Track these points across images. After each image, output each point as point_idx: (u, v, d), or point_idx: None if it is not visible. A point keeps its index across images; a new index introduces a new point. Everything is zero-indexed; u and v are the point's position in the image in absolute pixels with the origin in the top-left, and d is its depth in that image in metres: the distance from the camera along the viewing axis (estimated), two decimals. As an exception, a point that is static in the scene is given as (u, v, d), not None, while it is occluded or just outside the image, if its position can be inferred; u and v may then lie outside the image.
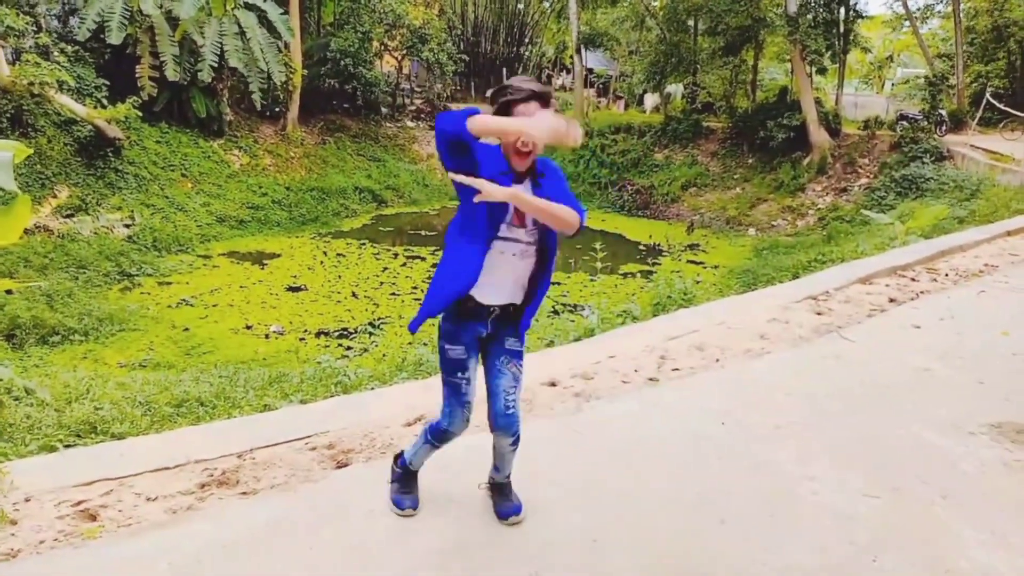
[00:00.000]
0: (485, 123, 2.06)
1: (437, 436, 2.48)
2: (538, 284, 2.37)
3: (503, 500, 2.59)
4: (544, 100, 2.18)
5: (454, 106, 29.78)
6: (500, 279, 2.30)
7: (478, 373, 2.42)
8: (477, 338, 2.37)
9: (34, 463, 2.99)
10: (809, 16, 21.22)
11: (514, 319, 2.39)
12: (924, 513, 2.72)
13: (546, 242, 2.33)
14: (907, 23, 25.26)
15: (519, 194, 2.15)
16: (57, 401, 5.50)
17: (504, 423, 2.39)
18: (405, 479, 2.63)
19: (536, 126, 2.03)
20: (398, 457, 2.67)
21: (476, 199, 2.12)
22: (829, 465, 3.04)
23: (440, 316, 2.36)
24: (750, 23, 22.10)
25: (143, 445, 3.27)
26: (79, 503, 2.58)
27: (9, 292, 11.71)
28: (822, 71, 23.34)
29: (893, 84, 35.61)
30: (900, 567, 2.40)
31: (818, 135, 21.11)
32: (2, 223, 4.42)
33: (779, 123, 21.33)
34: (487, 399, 2.41)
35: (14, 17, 15.53)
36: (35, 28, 16.91)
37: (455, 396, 2.38)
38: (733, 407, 3.59)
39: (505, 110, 2.18)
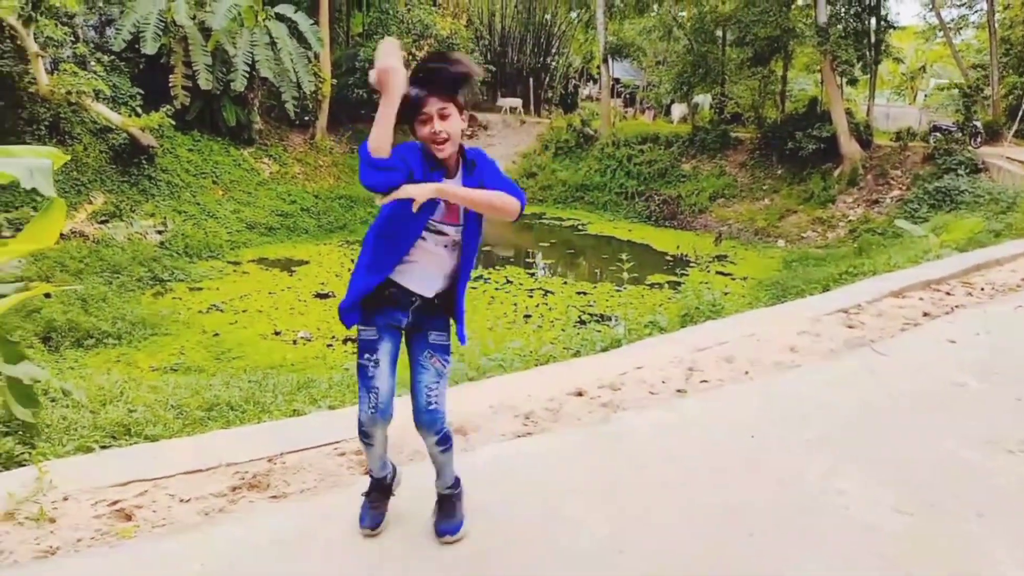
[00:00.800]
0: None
1: (360, 433, 2.33)
2: (459, 275, 2.34)
3: (442, 515, 2.47)
4: (452, 89, 2.13)
5: (481, 116, 29.96)
6: (426, 270, 2.28)
7: (391, 363, 2.30)
8: (394, 325, 2.30)
9: (72, 463, 3.05)
10: (839, 26, 21.04)
11: (437, 310, 2.34)
12: (958, 530, 2.67)
13: (468, 235, 2.28)
14: (940, 33, 24.92)
15: (446, 188, 2.11)
16: (92, 403, 5.62)
17: (426, 419, 2.28)
18: (371, 489, 2.50)
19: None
20: (368, 469, 2.56)
21: (411, 207, 2.09)
22: (860, 480, 2.99)
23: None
24: (779, 33, 21.96)
25: (176, 447, 3.33)
26: (115, 503, 2.63)
27: (48, 296, 11.98)
28: (853, 82, 23.11)
29: (926, 95, 35.12)
30: (935, 585, 2.35)
31: (849, 146, 20.88)
32: (39, 227, 4.54)
33: (809, 134, 21.14)
34: (411, 392, 2.32)
35: (53, 28, 15.97)
36: (73, 39, 17.39)
37: (362, 380, 2.27)
38: (762, 420, 3.56)
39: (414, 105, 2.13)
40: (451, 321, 2.40)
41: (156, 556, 2.32)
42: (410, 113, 2.13)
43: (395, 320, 2.30)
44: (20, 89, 16.42)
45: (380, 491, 2.50)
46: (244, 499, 2.72)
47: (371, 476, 2.50)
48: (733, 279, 16.56)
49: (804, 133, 21.29)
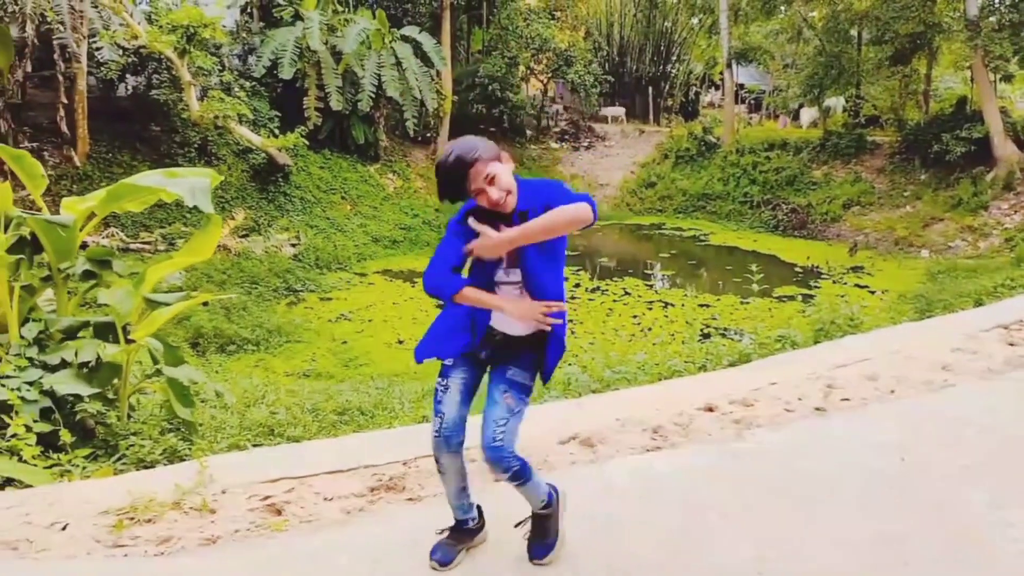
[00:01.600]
0: (467, 298, 2.19)
1: (433, 452, 2.33)
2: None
3: (534, 536, 2.41)
4: (483, 158, 2.14)
5: (598, 127, 29.89)
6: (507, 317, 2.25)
7: (463, 391, 2.30)
8: (473, 355, 2.30)
9: (226, 460, 3.29)
10: (992, 19, 19.40)
11: (523, 348, 2.28)
12: None
13: (531, 272, 2.22)
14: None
15: (511, 238, 2.10)
16: (237, 405, 6.04)
17: (491, 456, 2.20)
18: (454, 528, 2.44)
19: (513, 311, 2.17)
20: None
21: (477, 253, 2.15)
22: (1032, 512, 2.72)
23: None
24: (922, 29, 20.49)
25: (317, 448, 3.52)
26: (266, 498, 2.81)
27: (205, 304, 13.01)
28: (1008, 78, 21.22)
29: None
30: None
31: (1004, 148, 19.17)
32: (199, 241, 4.94)
33: (957, 136, 19.57)
34: (482, 424, 2.27)
35: (203, 59, 17.40)
36: (220, 67, 18.86)
37: (434, 404, 2.30)
38: (912, 442, 3.31)
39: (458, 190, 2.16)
40: (537, 359, 2.31)
41: (306, 549, 2.46)
42: (464, 195, 2.17)
43: (474, 350, 2.30)
44: (174, 115, 18.02)
45: (457, 533, 2.42)
46: (382, 500, 2.83)
47: (455, 517, 2.45)
48: (871, 292, 15.56)
49: (951, 135, 19.74)
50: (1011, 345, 4.67)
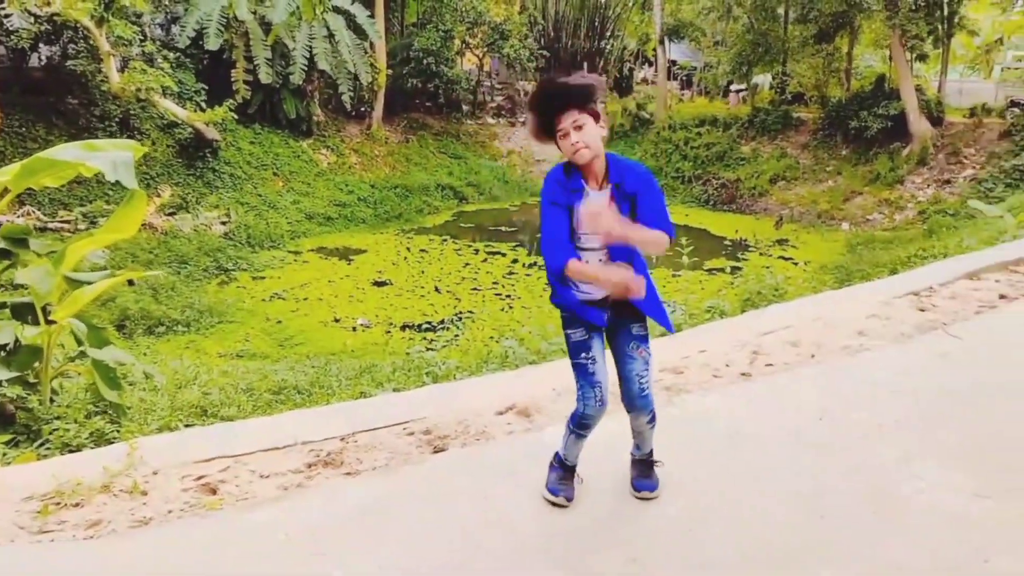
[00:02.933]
0: (579, 270, 2.29)
1: (578, 424, 2.49)
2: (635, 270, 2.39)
3: (641, 474, 2.65)
4: (581, 102, 2.21)
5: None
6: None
7: (604, 359, 2.45)
8: (597, 326, 2.43)
9: (158, 441, 3.22)
10: (910, -1, 20.18)
11: (630, 306, 2.42)
12: (1041, 517, 2.58)
13: (619, 251, 2.36)
14: (1019, 3, 23.66)
15: (620, 233, 2.19)
16: (168, 386, 5.88)
17: (641, 404, 2.45)
18: (562, 473, 2.64)
19: (606, 282, 2.29)
20: (556, 455, 2.68)
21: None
22: (937, 465, 2.92)
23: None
24: (844, 8, 21.21)
25: (252, 427, 3.47)
26: (200, 478, 2.77)
27: (131, 283, 12.55)
28: (923, 57, 22.19)
29: (1003, 69, 33.42)
30: (1014, 569, 2.29)
31: (919, 124, 20.08)
32: (122, 218, 4.75)
33: (875, 112, 20.41)
34: (620, 385, 2.46)
35: (123, 28, 16.58)
36: (141, 37, 18.01)
37: (584, 377, 2.41)
38: (831, 404, 3.49)
39: (548, 121, 2.25)
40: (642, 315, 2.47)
41: (243, 526, 2.44)
42: (550, 132, 2.27)
43: (598, 320, 2.42)
44: (93, 87, 17.15)
45: (570, 474, 2.63)
46: (320, 475, 2.83)
47: (563, 464, 2.61)
48: (795, 263, 16.18)
49: (870, 112, 20.57)
50: (922, 311, 4.94)
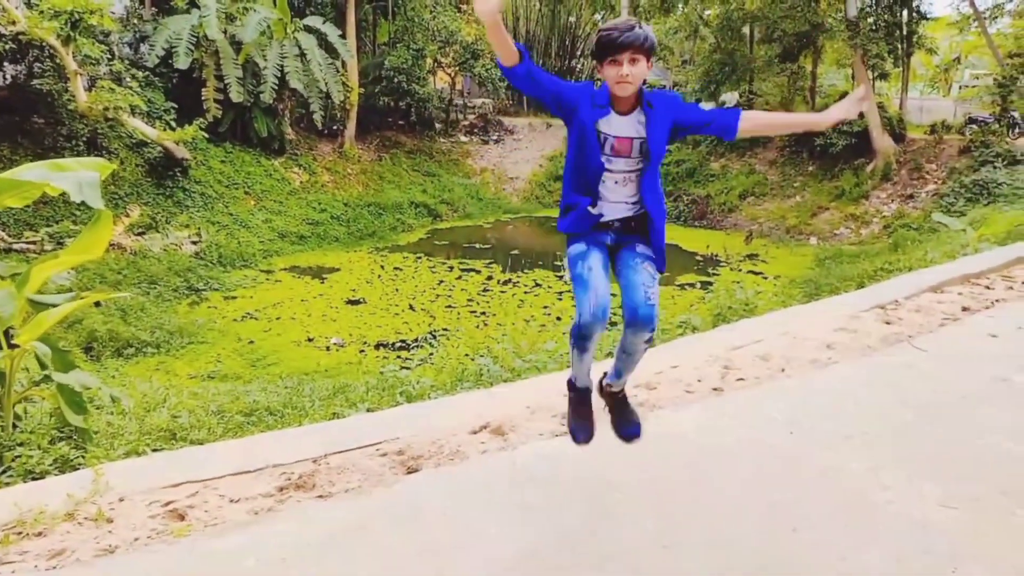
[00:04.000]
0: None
1: (577, 336, 2.44)
2: (649, 199, 2.48)
3: (623, 417, 2.65)
4: (648, 48, 2.33)
5: (507, 121, 30.07)
6: (611, 202, 2.50)
7: (604, 269, 2.44)
8: (600, 241, 2.50)
9: (124, 466, 3.15)
10: (870, 20, 20.75)
11: (637, 231, 2.51)
12: (1005, 524, 2.64)
13: (647, 165, 2.45)
14: (975, 23, 24.42)
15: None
16: (136, 410, 5.77)
17: (645, 313, 2.36)
18: (577, 402, 2.65)
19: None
20: (568, 380, 2.70)
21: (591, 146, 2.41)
22: (904, 475, 2.97)
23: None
24: (808, 29, 21.73)
25: (222, 450, 3.41)
26: (168, 503, 2.72)
27: (97, 304, 12.31)
28: (884, 76, 22.75)
29: (961, 87, 34.40)
30: (983, 579, 2.33)
31: (881, 141, 20.57)
32: (88, 239, 4.68)
33: (840, 130, 20.87)
34: (624, 296, 2.42)
35: (91, 46, 16.41)
36: (109, 56, 17.82)
37: (580, 286, 2.39)
38: (801, 417, 3.54)
39: (612, 49, 2.33)
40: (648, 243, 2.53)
41: (211, 553, 2.40)
42: (603, 52, 2.34)
43: (600, 238, 2.51)
44: (59, 106, 16.91)
45: (585, 404, 2.66)
46: (292, 499, 2.79)
47: (575, 388, 2.66)
48: (765, 278, 16.40)
49: (835, 129, 21.00)
50: (888, 324, 5.04)
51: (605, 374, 2.70)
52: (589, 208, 2.48)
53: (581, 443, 2.61)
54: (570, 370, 2.68)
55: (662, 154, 2.46)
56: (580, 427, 2.63)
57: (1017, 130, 19.76)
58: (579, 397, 2.66)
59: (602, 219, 2.51)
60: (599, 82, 2.46)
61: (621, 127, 2.42)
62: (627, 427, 2.64)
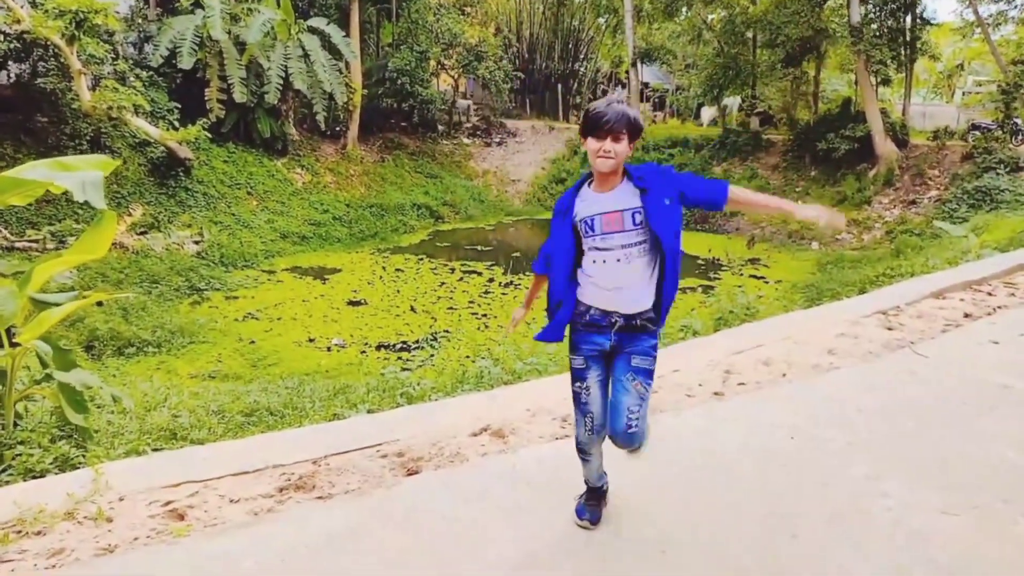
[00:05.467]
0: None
1: (577, 447, 2.54)
2: (663, 286, 2.41)
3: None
4: (633, 132, 2.32)
5: (509, 123, 30.07)
6: (612, 287, 2.37)
7: (601, 388, 2.46)
8: (599, 351, 2.44)
9: (125, 465, 3.15)
10: (873, 26, 20.74)
11: (641, 331, 2.42)
12: (1005, 532, 2.63)
13: (658, 240, 2.35)
14: (978, 30, 24.41)
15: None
16: (137, 409, 5.77)
17: (624, 440, 2.43)
18: (588, 496, 2.68)
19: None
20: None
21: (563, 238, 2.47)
22: (904, 482, 2.96)
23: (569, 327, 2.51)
24: (811, 34, 21.72)
25: (222, 451, 3.42)
26: (168, 503, 2.72)
27: (100, 304, 12.31)
28: (887, 81, 22.74)
29: (964, 93, 34.39)
30: (983, 588, 2.33)
31: (884, 146, 20.55)
32: (91, 238, 4.69)
33: (842, 135, 20.85)
34: (610, 412, 2.44)
35: (95, 46, 16.42)
36: (113, 56, 17.84)
37: (577, 406, 2.48)
38: (802, 422, 3.54)
39: (598, 128, 2.32)
40: (655, 344, 2.47)
41: (211, 554, 2.40)
42: (590, 128, 2.34)
43: (599, 346, 2.44)
44: (63, 105, 16.92)
45: (596, 497, 2.68)
46: (291, 499, 2.79)
47: (588, 485, 2.68)
48: (767, 282, 16.38)
49: (837, 134, 21.00)
50: (889, 329, 5.04)
51: None
52: (588, 303, 2.42)
53: (585, 521, 2.62)
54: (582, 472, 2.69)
55: (673, 231, 2.35)
56: (590, 509, 2.65)
57: (1020, 137, 19.74)
58: (592, 492, 2.69)
59: (603, 316, 2.40)
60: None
61: (605, 203, 2.36)
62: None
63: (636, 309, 2.39)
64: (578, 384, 2.45)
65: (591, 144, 2.33)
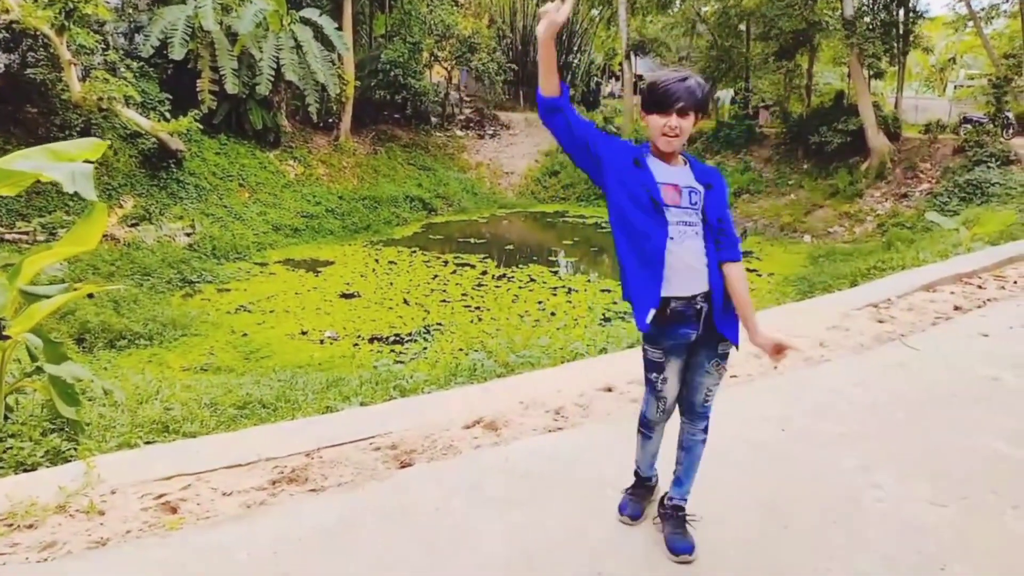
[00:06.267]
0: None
1: (642, 423, 2.52)
2: (713, 266, 2.27)
3: (677, 531, 2.46)
4: (702, 107, 2.22)
5: (502, 115, 30.01)
6: (682, 267, 2.23)
7: (679, 377, 2.38)
8: (683, 344, 2.32)
9: (117, 458, 3.14)
10: (867, 19, 20.76)
11: (728, 315, 2.30)
12: (994, 523, 2.66)
13: (706, 214, 2.26)
14: (971, 23, 24.47)
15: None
16: (128, 402, 5.75)
17: (701, 411, 2.44)
18: (636, 486, 2.64)
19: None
20: (635, 469, 2.67)
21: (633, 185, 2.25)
22: (895, 474, 2.99)
23: None
24: (804, 27, 21.73)
25: (215, 443, 3.41)
26: (160, 496, 2.72)
27: (90, 296, 12.23)
28: (880, 74, 22.79)
29: (956, 86, 34.50)
30: (971, 578, 2.35)
31: (876, 140, 20.60)
32: (82, 230, 4.66)
33: (835, 128, 20.90)
34: (686, 390, 2.42)
35: (85, 36, 16.27)
36: (103, 46, 17.68)
37: (652, 391, 2.42)
38: (793, 415, 3.56)
39: (668, 102, 2.20)
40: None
41: (203, 546, 2.40)
42: (655, 103, 2.21)
43: (684, 337, 2.30)
44: (53, 96, 16.78)
45: (644, 488, 2.65)
46: (284, 492, 2.79)
47: (638, 474, 2.65)
48: (759, 275, 16.44)
49: (830, 127, 21.05)
50: (880, 322, 5.07)
51: (667, 494, 2.56)
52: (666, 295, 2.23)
53: (625, 516, 2.57)
54: (635, 456, 2.63)
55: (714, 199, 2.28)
56: (632, 504, 2.60)
57: (1011, 130, 19.84)
58: (639, 482, 2.65)
59: (687, 304, 2.24)
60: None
61: (667, 173, 2.25)
62: (680, 542, 2.43)
63: (704, 287, 2.27)
64: (654, 375, 2.38)
65: (655, 120, 2.22)
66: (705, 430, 2.49)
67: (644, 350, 2.39)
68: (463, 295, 15.30)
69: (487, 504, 2.69)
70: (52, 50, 16.24)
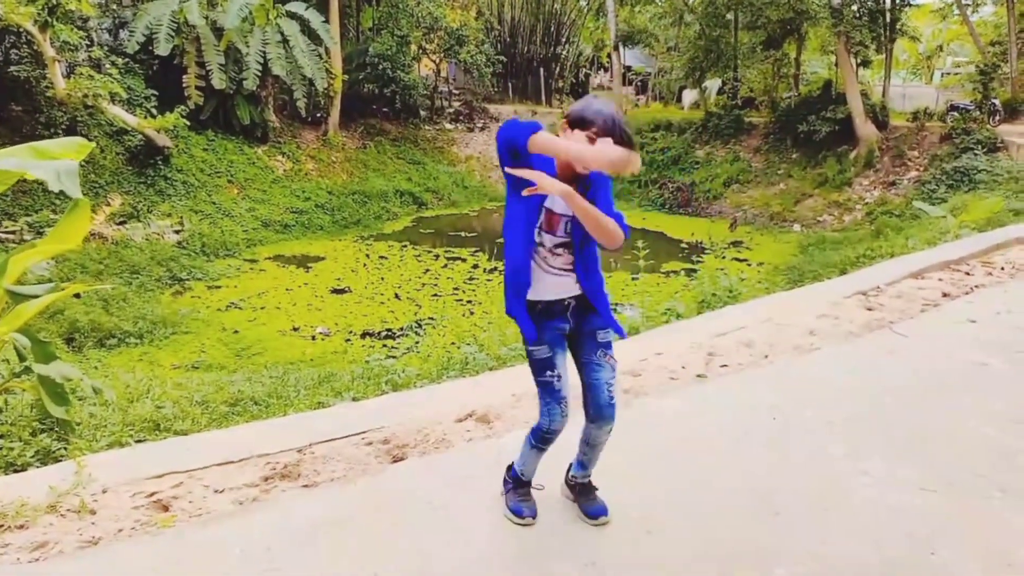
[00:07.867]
0: (546, 144, 2.08)
1: (540, 438, 2.45)
2: (586, 271, 2.35)
3: (590, 500, 2.59)
4: (621, 141, 2.11)
5: (492, 108, 29.93)
6: (548, 278, 2.35)
7: (569, 368, 2.40)
8: (560, 335, 2.39)
9: (108, 457, 3.13)
10: (854, 7, 20.79)
11: (591, 312, 2.38)
12: (982, 507, 2.69)
13: (578, 235, 2.30)
14: (957, 11, 24.55)
15: (574, 193, 2.13)
16: (119, 400, 5.72)
17: (608, 413, 2.40)
18: (518, 488, 2.62)
19: (598, 158, 2.00)
20: (509, 468, 2.66)
21: (526, 192, 2.18)
22: (883, 459, 3.01)
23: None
24: (792, 16, 21.74)
25: (207, 440, 3.40)
26: (152, 494, 2.71)
27: (77, 296, 12.15)
28: (867, 63, 22.85)
29: (943, 74, 34.64)
30: (959, 561, 2.38)
31: (864, 128, 20.67)
32: (65, 228, 4.61)
33: (823, 117, 20.95)
34: (585, 392, 2.41)
35: (69, 32, 16.11)
36: (88, 42, 17.52)
37: (550, 395, 2.36)
38: (783, 403, 3.58)
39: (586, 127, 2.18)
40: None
41: (196, 544, 2.40)
42: (581, 126, 2.18)
43: (559, 329, 2.38)
44: (38, 94, 16.62)
45: (525, 486, 2.63)
46: (277, 488, 2.79)
47: (518, 477, 2.61)
48: (749, 265, 16.49)
49: (818, 116, 21.10)
50: (869, 310, 5.10)
51: (570, 469, 2.64)
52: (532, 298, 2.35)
53: (527, 518, 2.54)
54: (518, 461, 2.60)
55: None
56: (526, 505, 2.58)
57: (998, 117, 19.95)
58: (522, 484, 2.62)
59: (556, 302, 2.35)
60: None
61: (561, 202, 2.25)
62: (594, 507, 2.57)
63: (575, 294, 2.39)
64: (548, 373, 2.35)
65: (577, 138, 2.19)
66: (610, 431, 2.46)
67: (529, 353, 2.39)
68: (454, 289, 15.30)
69: (480, 497, 2.70)
70: (36, 47, 16.08)
